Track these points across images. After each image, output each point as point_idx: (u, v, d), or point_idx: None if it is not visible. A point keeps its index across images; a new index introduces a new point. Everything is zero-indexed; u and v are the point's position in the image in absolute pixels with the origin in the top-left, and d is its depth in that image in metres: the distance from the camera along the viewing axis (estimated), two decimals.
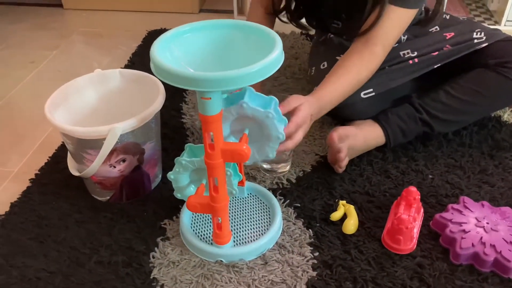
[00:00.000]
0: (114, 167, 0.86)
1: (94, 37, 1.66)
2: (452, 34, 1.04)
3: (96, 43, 1.63)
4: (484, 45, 0.99)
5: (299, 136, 0.79)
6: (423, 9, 1.12)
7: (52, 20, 1.79)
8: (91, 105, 0.96)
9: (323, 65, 1.04)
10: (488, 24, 1.61)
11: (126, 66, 1.43)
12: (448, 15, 1.14)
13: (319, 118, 0.90)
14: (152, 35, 1.63)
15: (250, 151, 0.70)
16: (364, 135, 0.99)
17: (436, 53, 1.00)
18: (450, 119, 1.02)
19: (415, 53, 1.02)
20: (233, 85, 0.61)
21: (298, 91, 1.28)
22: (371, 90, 0.98)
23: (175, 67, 0.61)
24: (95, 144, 0.82)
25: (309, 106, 0.81)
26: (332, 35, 1.13)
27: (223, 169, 0.72)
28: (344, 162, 0.97)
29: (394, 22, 0.91)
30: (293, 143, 0.79)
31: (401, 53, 1.03)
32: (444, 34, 1.05)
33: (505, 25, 1.58)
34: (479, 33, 1.02)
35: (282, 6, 1.10)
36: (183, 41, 0.70)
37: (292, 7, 1.09)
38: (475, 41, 1.00)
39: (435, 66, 1.00)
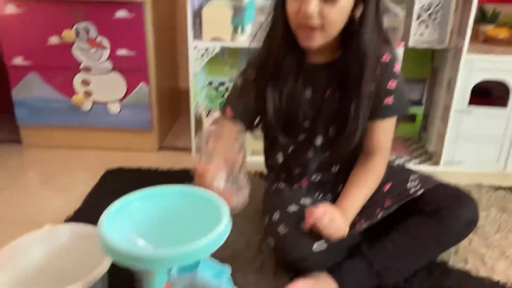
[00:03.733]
0: None
1: (51, 176, 1.67)
2: (389, 185, 1.11)
3: (52, 183, 1.62)
4: (419, 193, 1.06)
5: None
6: None
7: (9, 158, 1.79)
8: (39, 265, 0.93)
9: (275, 216, 1.08)
10: (428, 165, 1.74)
11: (81, 208, 1.42)
12: None
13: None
14: (110, 174, 1.65)
15: None
16: None
17: (380, 214, 1.06)
18: (399, 268, 1.05)
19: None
20: (178, 263, 0.62)
21: (253, 234, 1.29)
22: (323, 241, 1.00)
23: (119, 246, 0.62)
24: None
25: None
26: (283, 185, 1.18)
27: None
28: None
29: (386, 132, 1.08)
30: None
31: None
32: (382, 187, 1.11)
33: (443, 166, 1.71)
34: (413, 181, 1.09)
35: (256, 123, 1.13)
36: (131, 212, 0.72)
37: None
38: (411, 190, 1.08)
39: (379, 218, 1.06)
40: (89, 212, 1.36)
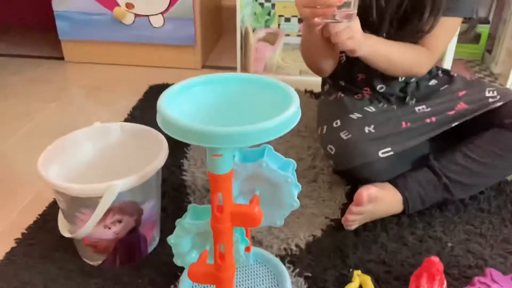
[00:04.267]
0: (109, 228, 0.79)
1: (94, 91, 1.63)
2: (464, 92, 1.02)
3: (96, 97, 1.59)
4: (499, 104, 0.96)
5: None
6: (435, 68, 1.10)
7: (53, 73, 1.77)
8: (89, 160, 0.90)
9: (336, 123, 1.00)
10: None
11: (126, 120, 1.39)
12: (456, 74, 1.12)
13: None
14: (154, 90, 1.60)
15: (263, 214, 0.63)
16: (387, 201, 0.93)
17: (453, 112, 0.97)
18: (470, 183, 0.97)
19: (429, 109, 0.99)
20: (247, 142, 0.55)
21: (304, 149, 1.24)
22: (389, 149, 0.93)
23: (184, 121, 0.56)
24: (90, 202, 0.75)
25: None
26: (343, 94, 1.09)
27: (231, 234, 0.65)
28: (354, 226, 0.93)
29: (446, 31, 0.98)
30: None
31: (417, 109, 1.00)
32: (456, 91, 1.02)
33: (511, 88, 1.57)
34: (491, 92, 0.99)
35: None
36: (192, 94, 0.66)
37: None
38: (490, 100, 0.98)
39: (452, 125, 0.97)
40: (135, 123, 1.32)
